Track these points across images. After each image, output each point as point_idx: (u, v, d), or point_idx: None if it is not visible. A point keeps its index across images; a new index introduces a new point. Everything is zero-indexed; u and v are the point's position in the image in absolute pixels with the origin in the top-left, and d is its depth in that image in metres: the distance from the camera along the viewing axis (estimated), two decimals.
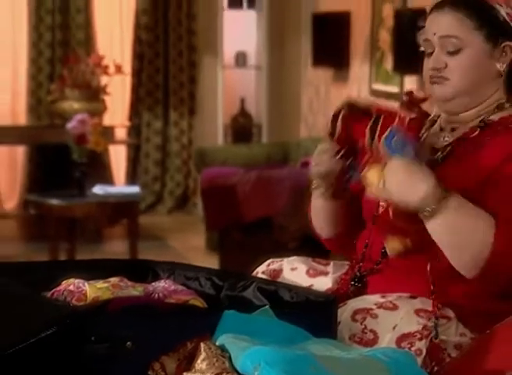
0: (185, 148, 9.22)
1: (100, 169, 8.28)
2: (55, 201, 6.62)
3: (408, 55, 6.71)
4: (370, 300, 2.28)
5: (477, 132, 2.36)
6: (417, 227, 2.18)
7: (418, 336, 2.17)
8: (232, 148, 8.74)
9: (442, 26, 2.33)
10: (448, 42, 2.31)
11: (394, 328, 2.18)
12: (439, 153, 2.38)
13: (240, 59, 9.47)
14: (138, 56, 9.01)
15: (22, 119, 8.90)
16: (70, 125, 6.40)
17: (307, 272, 2.48)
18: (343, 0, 8.02)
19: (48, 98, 8.28)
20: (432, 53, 2.36)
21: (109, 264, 2.42)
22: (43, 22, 8.86)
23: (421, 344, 2.16)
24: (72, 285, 2.20)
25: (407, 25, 6.82)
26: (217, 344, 1.92)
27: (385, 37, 7.29)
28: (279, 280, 2.46)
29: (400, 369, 1.88)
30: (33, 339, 1.84)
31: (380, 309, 2.22)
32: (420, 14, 6.97)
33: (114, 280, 2.30)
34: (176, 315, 2.07)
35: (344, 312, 2.23)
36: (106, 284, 2.25)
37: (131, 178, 9.06)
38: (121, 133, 8.92)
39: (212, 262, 6.13)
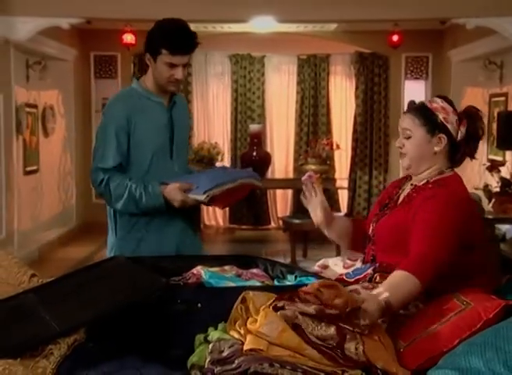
0: (381, 191, 8.87)
1: (330, 203, 8.20)
2: (293, 221, 6.65)
3: (506, 138, 6.27)
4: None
5: (414, 187, 2.25)
6: None
7: None
8: None
9: (404, 122, 2.24)
10: (405, 132, 2.23)
11: None
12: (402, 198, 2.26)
13: None
14: (355, 139, 8.84)
15: (290, 174, 8.98)
16: (303, 178, 6.35)
17: (343, 265, 2.35)
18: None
19: (299, 163, 8.34)
20: None
21: (228, 257, 2.36)
22: (303, 121, 8.94)
23: None
24: (195, 270, 2.12)
25: (507, 120, 6.36)
26: None
27: (495, 127, 6.85)
28: (327, 271, 2.33)
29: None
30: (146, 299, 1.84)
31: (362, 289, 2.05)
32: None
33: (226, 267, 2.23)
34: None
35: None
36: (217, 269, 2.18)
37: (351, 208, 8.91)
38: (344, 182, 8.80)
39: None
